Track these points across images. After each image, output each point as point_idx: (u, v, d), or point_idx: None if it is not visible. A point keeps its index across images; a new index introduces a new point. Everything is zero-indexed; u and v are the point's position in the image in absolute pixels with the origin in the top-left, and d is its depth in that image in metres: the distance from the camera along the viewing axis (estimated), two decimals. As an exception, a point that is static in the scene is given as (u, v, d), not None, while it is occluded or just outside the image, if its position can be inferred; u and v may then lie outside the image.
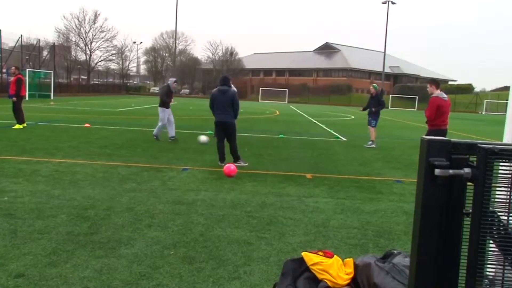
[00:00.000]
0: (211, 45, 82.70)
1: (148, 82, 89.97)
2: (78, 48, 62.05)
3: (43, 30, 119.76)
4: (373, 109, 12.11)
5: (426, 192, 1.33)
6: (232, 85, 12.46)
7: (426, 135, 8.71)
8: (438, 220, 1.36)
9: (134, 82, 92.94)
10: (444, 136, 7.13)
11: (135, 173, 6.86)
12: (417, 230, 1.38)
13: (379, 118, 12.32)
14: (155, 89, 70.63)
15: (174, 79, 11.75)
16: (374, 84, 12.76)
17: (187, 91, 79.30)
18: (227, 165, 7.13)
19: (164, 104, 11.18)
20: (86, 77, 62.49)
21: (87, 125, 14.03)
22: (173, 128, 11.24)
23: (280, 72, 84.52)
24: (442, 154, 1.35)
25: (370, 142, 11.94)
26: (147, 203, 5.13)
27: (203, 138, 10.27)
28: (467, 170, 1.32)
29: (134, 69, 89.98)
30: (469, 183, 1.35)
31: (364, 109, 12.69)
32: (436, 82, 7.37)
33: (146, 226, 4.30)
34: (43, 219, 4.34)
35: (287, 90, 65.27)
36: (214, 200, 5.41)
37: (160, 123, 11.18)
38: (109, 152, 8.92)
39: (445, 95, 7.23)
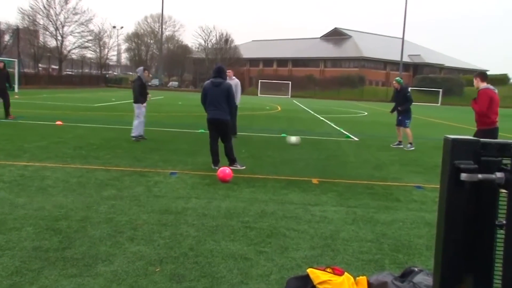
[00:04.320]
0: (203, 31, 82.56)
1: (131, 73, 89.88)
2: (47, 32, 61.66)
3: (4, 11, 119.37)
4: (399, 108, 12.07)
5: (450, 200, 1.32)
6: (234, 77, 12.60)
7: (474, 136, 8.73)
8: (465, 233, 1.35)
9: (114, 73, 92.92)
10: (496, 136, 7.02)
11: (115, 178, 6.85)
12: (440, 244, 1.37)
13: (411, 116, 12.25)
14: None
15: (142, 67, 11.64)
16: (397, 78, 12.73)
17: (175, 83, 79.27)
18: (221, 168, 7.12)
19: (139, 99, 11.10)
20: (57, 67, 62.32)
21: (59, 122, 14.00)
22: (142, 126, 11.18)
23: (282, 62, 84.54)
24: (470, 155, 1.34)
25: (409, 145, 11.96)
26: (129, 212, 5.12)
27: (293, 139, 10.15)
28: (499, 174, 1.31)
29: (114, 58, 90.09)
30: (502, 190, 1.34)
31: (392, 111, 12.64)
32: (483, 74, 7.40)
33: (127, 239, 4.29)
34: (4, 233, 4.31)
35: (290, 82, 65.33)
36: (207, 209, 5.40)
37: (136, 121, 11.11)
38: (84, 153, 8.90)
39: (495, 89, 7.27)
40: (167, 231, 4.56)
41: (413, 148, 11.88)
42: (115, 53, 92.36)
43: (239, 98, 12.69)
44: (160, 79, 76.50)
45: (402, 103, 12.05)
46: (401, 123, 12.19)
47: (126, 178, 6.87)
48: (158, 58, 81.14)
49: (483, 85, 7.22)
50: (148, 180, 6.78)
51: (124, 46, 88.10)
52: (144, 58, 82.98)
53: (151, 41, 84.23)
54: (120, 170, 7.45)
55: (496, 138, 6.98)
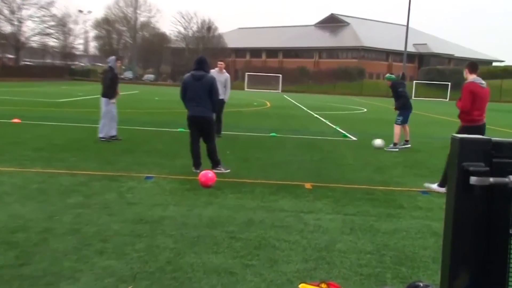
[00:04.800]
0: (183, 17, 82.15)
1: (100, 64, 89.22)
2: (0, 16, 60.82)
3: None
4: (395, 107, 12.16)
5: (458, 207, 1.33)
6: (224, 71, 12.58)
7: (457, 133, 8.70)
8: (475, 243, 1.36)
9: (81, 64, 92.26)
10: (481, 134, 7.20)
11: (82, 183, 6.80)
12: (447, 256, 1.38)
13: (409, 113, 12.22)
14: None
15: (114, 57, 11.55)
16: (387, 75, 12.84)
17: (151, 76, 79.01)
18: (203, 172, 7.11)
19: (108, 93, 10.99)
20: (14, 56, 61.52)
21: (16, 120, 13.85)
22: (115, 125, 11.12)
23: (272, 52, 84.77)
24: (480, 157, 1.35)
25: (391, 145, 11.93)
26: (98, 222, 5.09)
27: (378, 142, 10.38)
28: (513, 178, 1.32)
29: (81, 47, 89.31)
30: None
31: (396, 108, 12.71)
32: (472, 65, 7.44)
33: (96, 252, 4.25)
34: (-44, 246, 4.25)
35: (280, 75, 65.52)
36: (187, 217, 5.38)
37: (102, 120, 11.01)
38: (47, 156, 8.82)
39: (483, 81, 7.30)
40: (141, 242, 4.53)
41: (396, 150, 11.68)
42: (82, 41, 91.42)
43: (228, 94, 12.68)
44: (134, 71, 76.20)
45: (396, 100, 12.16)
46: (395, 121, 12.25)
47: (95, 183, 6.82)
48: (132, 47, 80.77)
49: (471, 77, 7.26)
50: (120, 186, 6.74)
51: (92, 34, 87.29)
52: (116, 47, 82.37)
53: (124, 28, 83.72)
54: (88, 174, 7.39)
55: (481, 135, 7.15)
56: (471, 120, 7.18)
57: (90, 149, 9.76)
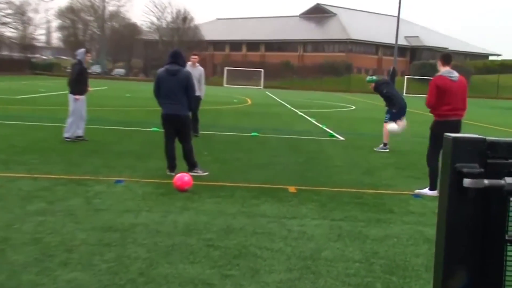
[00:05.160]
0: (156, 7, 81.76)
1: (65, 57, 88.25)
2: None
3: None
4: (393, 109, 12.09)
5: (451, 211, 1.35)
6: (198, 65, 12.55)
7: (431, 132, 8.57)
8: (469, 249, 1.38)
9: (43, 57, 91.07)
10: (456, 130, 7.22)
11: (45, 188, 6.74)
12: (440, 264, 1.39)
13: (400, 111, 12.20)
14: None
15: (84, 49, 11.46)
16: (368, 77, 12.54)
17: (122, 71, 78.33)
18: (179, 175, 7.10)
19: (75, 89, 10.87)
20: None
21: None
22: (82, 124, 11.02)
23: (253, 45, 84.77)
24: (474, 157, 1.37)
25: (381, 145, 12.01)
26: (62, 231, 5.04)
27: (395, 127, 10.84)
28: (509, 180, 1.34)
29: (43, 38, 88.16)
30: None
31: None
32: (445, 57, 7.55)
33: (59, 264, 4.21)
34: None
35: (262, 70, 65.58)
36: (161, 225, 5.37)
37: (70, 119, 10.89)
38: (5, 158, 8.72)
39: (454, 74, 7.35)
40: (111, 252, 4.51)
41: (387, 150, 11.80)
42: (44, 32, 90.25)
43: (203, 90, 12.66)
44: (102, 65, 75.44)
45: (388, 104, 12.01)
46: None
47: (59, 188, 6.77)
48: (100, 39, 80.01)
49: (443, 70, 7.36)
50: (88, 190, 6.70)
51: (55, 24, 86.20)
52: (82, 39, 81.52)
53: (91, 18, 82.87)
54: (52, 178, 7.32)
55: (453, 132, 7.26)
56: (440, 115, 7.25)
57: (54, 151, 9.66)
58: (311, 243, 5.05)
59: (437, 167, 7.27)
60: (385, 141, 11.97)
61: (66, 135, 10.84)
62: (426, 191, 7.48)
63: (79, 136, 10.94)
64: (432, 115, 7.51)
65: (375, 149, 11.86)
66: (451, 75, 7.30)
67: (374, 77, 12.59)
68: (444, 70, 7.33)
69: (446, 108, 7.17)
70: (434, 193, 7.23)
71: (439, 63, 7.49)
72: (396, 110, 12.04)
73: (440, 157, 7.53)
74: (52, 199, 6.21)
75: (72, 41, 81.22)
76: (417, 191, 7.57)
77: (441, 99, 7.15)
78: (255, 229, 5.40)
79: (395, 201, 7.00)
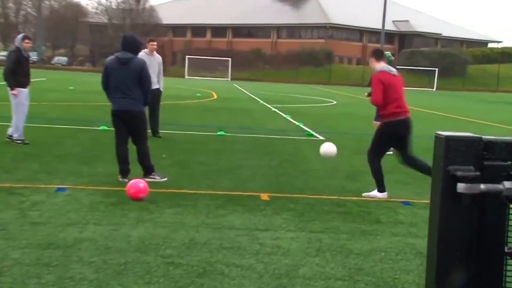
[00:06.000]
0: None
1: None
2: None
3: None
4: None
5: (444, 220, 1.37)
6: (154, 52, 12.45)
7: (379, 132, 8.89)
8: (464, 263, 1.40)
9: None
10: (407, 129, 7.58)
11: (-29, 198, 6.62)
12: (431, 281, 1.42)
13: None
14: (3, 54, 67.99)
15: (22, 35, 11.29)
16: (387, 52, 12.74)
17: (63, 59, 77.22)
18: (132, 181, 7.05)
19: (12, 81, 10.68)
20: None
21: None
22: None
23: (218, 30, 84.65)
24: (469, 159, 1.39)
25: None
26: (-8, 248, 4.95)
27: (327, 149, 9.35)
28: (508, 184, 1.36)
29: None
30: None
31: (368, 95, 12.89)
32: (378, 52, 7.99)
33: (-10, 287, 4.14)
34: None
35: (230, 59, 65.63)
36: (111, 239, 5.33)
37: (15, 116, 10.71)
38: None
39: (393, 69, 7.83)
40: (50, 274, 4.45)
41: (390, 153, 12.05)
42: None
43: (162, 82, 12.58)
44: (39, 52, 74.18)
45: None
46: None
47: (-11, 197, 6.65)
48: (36, 21, 78.64)
49: (379, 66, 7.74)
50: (22, 201, 6.60)
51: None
52: (14, 20, 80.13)
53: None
54: (-20, 186, 7.20)
55: (405, 132, 7.58)
56: (390, 114, 7.54)
57: (-17, 154, 9.49)
58: (286, 258, 5.07)
59: (380, 167, 7.67)
60: None
61: (13, 135, 10.68)
62: (375, 193, 7.66)
63: (10, 136, 10.76)
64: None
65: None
66: (391, 70, 7.74)
67: (392, 57, 12.60)
68: (381, 66, 7.72)
69: (393, 105, 7.50)
70: (385, 195, 7.58)
71: (372, 60, 7.85)
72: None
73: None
74: (-19, 210, 6.10)
75: (1, 23, 79.67)
76: (365, 194, 7.75)
77: (386, 96, 7.47)
78: (222, 243, 5.39)
79: (382, 210, 7.07)
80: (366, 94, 12.78)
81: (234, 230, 5.84)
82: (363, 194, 7.72)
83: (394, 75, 7.65)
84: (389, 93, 7.46)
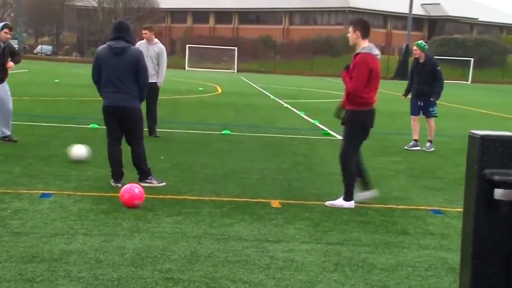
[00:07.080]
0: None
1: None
2: None
3: None
4: (431, 97, 12.26)
5: (479, 232, 1.36)
6: (156, 40, 12.42)
7: (344, 122, 8.75)
8: (501, 280, 1.40)
9: None
10: (370, 121, 7.48)
11: None
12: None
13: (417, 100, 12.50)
14: None
15: (3, 23, 11.34)
16: (419, 42, 12.58)
17: (48, 48, 77.46)
18: (127, 186, 7.07)
19: None
20: None
21: None
22: (9, 120, 10.93)
23: (223, 15, 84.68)
24: (508, 161, 1.37)
25: (428, 144, 12.44)
26: (-31, 262, 4.98)
27: (78, 151, 9.35)
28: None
29: None
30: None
31: (406, 94, 12.94)
32: (364, 26, 7.47)
33: (-33, 306, 4.17)
34: None
35: (236, 49, 65.58)
36: (103, 252, 5.34)
37: None
38: None
39: (377, 51, 7.45)
40: (35, 290, 4.45)
41: (433, 149, 12.31)
42: None
43: (163, 75, 12.50)
44: (20, 40, 74.35)
45: (427, 83, 12.17)
46: (426, 111, 12.43)
47: (-35, 204, 6.68)
48: (17, 5, 78.93)
49: (364, 45, 7.33)
50: (2, 208, 6.61)
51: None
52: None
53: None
54: (-45, 191, 7.24)
55: (370, 124, 7.48)
56: (366, 103, 7.40)
57: (-42, 155, 9.55)
58: (300, 274, 5.06)
59: (353, 170, 7.46)
60: (431, 137, 12.47)
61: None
62: (340, 202, 7.40)
63: (5, 136, 10.85)
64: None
65: (423, 148, 12.26)
66: (376, 52, 7.40)
67: (426, 46, 12.54)
68: (367, 46, 7.30)
69: (372, 94, 7.38)
70: (351, 204, 7.31)
71: (358, 34, 7.30)
72: (436, 99, 12.23)
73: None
74: (-43, 219, 6.13)
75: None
76: (328, 203, 7.46)
77: (368, 83, 7.24)
78: (228, 256, 5.39)
79: (409, 219, 7.05)
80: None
81: (241, 242, 5.84)
82: (326, 203, 7.43)
83: (377, 58, 7.38)
84: (372, 81, 7.26)
